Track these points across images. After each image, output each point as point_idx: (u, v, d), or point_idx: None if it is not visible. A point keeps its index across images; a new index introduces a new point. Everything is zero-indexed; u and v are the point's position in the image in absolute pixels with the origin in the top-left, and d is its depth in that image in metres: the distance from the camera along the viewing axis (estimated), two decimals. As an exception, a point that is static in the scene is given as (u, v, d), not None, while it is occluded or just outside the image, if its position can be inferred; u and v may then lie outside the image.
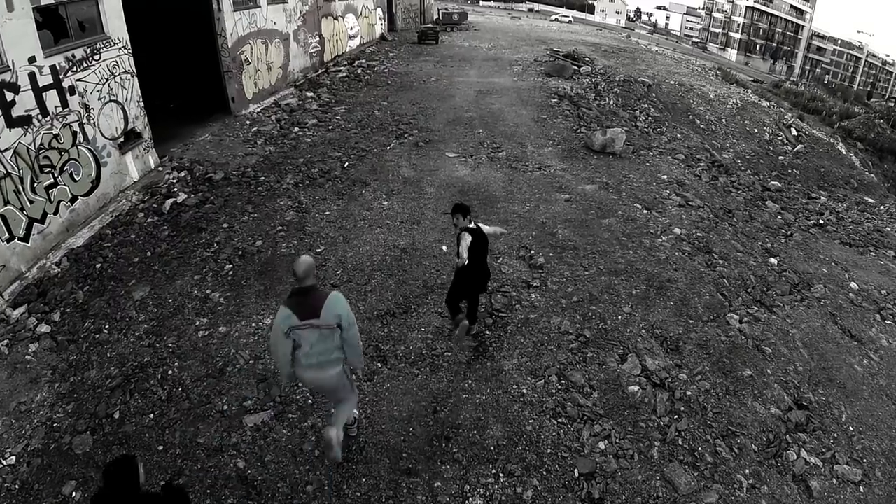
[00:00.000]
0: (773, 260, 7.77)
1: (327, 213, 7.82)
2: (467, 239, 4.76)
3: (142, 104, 9.13)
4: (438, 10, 36.69)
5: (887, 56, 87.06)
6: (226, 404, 4.91)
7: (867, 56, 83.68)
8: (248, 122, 11.81)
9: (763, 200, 10.29)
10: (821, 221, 9.98)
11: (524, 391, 4.77)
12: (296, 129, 11.43)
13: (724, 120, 19.58)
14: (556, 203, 8.39)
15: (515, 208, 8.15)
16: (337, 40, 19.30)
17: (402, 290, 6.04)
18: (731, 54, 72.75)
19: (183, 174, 9.22)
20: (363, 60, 19.15)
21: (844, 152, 22.41)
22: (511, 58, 22.77)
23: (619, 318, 5.67)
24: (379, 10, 25.46)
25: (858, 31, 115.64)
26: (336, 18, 19.07)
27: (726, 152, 17.63)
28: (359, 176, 8.99)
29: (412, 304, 5.82)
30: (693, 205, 8.90)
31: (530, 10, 70.44)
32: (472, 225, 4.94)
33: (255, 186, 8.82)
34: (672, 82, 21.32)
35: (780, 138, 20.04)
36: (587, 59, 23.40)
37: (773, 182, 14.51)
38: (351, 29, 21.00)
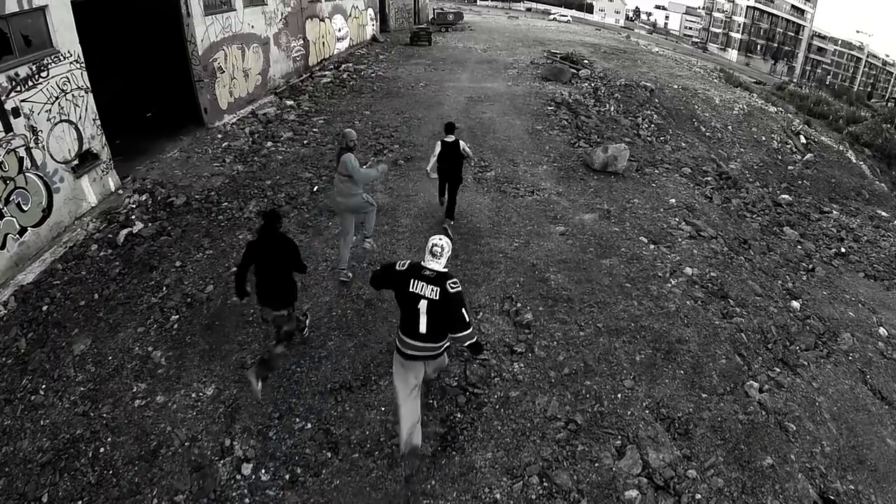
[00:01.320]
0: (795, 304, 6.91)
1: (287, 250, 6.97)
2: (437, 148, 6.85)
3: (98, 122, 8.32)
4: (433, 9, 35.70)
5: (887, 56, 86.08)
6: (156, 496, 4.19)
7: (868, 56, 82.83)
8: (219, 136, 10.95)
9: (780, 226, 9.41)
10: (842, 250, 9.12)
11: (498, 496, 3.90)
12: (269, 143, 10.55)
13: (730, 127, 18.71)
14: (549, 238, 7.45)
15: (502, 245, 7.15)
16: (323, 43, 18.39)
17: (361, 356, 5.17)
18: (732, 55, 71.71)
19: (144, 198, 8.46)
20: (350, 64, 18.26)
21: (854, 160, 21.56)
22: (506, 60, 21.85)
23: (619, 395, 4.78)
24: (370, 11, 24.52)
25: (858, 31, 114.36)
26: (322, 20, 18.16)
27: (733, 162, 16.76)
28: (327, 204, 8.04)
29: (372, 375, 4.95)
30: (705, 235, 8.00)
31: (528, 10, 69.33)
32: (448, 139, 6.84)
33: (215, 214, 7.98)
34: (675, 86, 20.43)
35: (788, 146, 19.19)
36: (586, 61, 22.50)
37: (784, 196, 13.70)
38: (339, 31, 20.08)
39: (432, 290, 3.65)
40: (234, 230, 7.47)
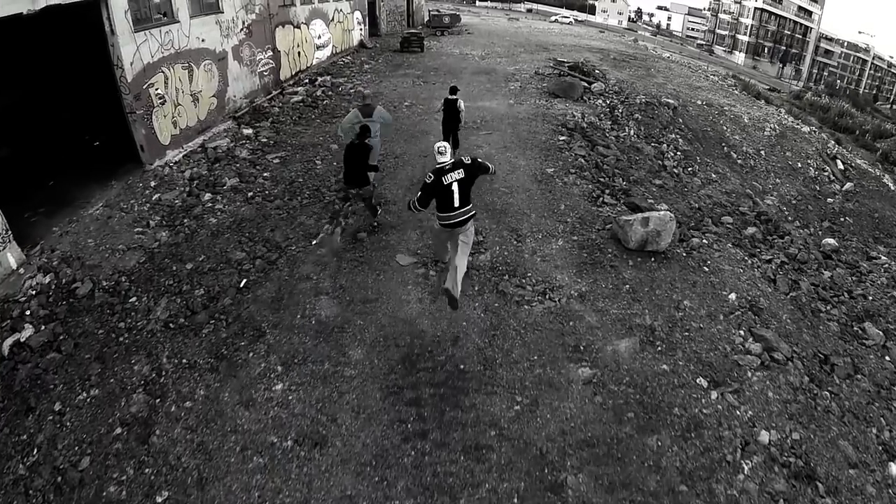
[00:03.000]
0: (894, 468, 4.74)
1: (188, 403, 4.64)
2: (442, 104, 9.27)
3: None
4: (429, 11, 33.26)
5: (891, 58, 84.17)
6: None
7: (873, 58, 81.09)
8: (152, 185, 8.65)
9: (860, 321, 7.08)
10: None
11: None
12: (207, 196, 8.19)
13: (763, 152, 16.44)
14: (568, 393, 4.91)
15: (495, 410, 4.64)
16: (299, 53, 16.00)
17: None
18: (739, 57, 69.41)
19: (48, 280, 6.38)
20: (328, 77, 15.89)
21: (893, 187, 19.33)
22: (507, 70, 19.49)
23: None
24: (357, 14, 22.14)
25: (860, 32, 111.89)
26: (297, 27, 15.77)
27: (770, 197, 14.49)
28: (253, 314, 5.66)
29: None
30: (779, 358, 5.59)
31: (529, 11, 66.82)
32: (452, 97, 9.02)
33: (118, 319, 5.76)
34: (698, 102, 18.14)
35: (826, 174, 16.93)
36: (597, 71, 20.18)
37: (828, 240, 11.54)
38: (318, 38, 17.69)
39: (458, 172, 5.39)
40: (132, 354, 5.16)
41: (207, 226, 7.28)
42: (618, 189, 9.12)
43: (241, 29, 12.49)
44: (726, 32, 74.02)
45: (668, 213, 7.22)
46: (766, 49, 70.45)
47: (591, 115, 13.91)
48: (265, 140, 10.50)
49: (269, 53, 14.02)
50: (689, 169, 13.47)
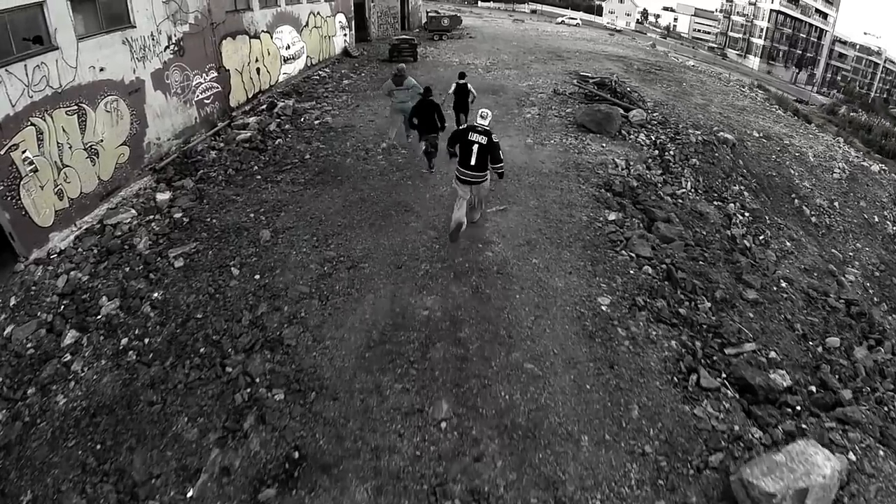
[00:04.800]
0: None
1: None
2: (452, 87, 9.74)
3: None
4: (427, 12, 29.77)
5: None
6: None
7: (885, 61, 78.62)
8: (12, 303, 5.48)
9: None
10: None
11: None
12: (70, 336, 5.06)
13: (836, 203, 13.23)
14: None
15: None
16: (258, 69, 12.64)
17: None
18: (753, 62, 66.08)
19: None
20: (290, 102, 12.52)
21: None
22: (519, 87, 16.08)
23: None
24: (340, 17, 18.73)
25: (865, 33, 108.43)
26: (255, 37, 12.39)
27: (851, 269, 11.29)
28: None
29: None
30: None
31: (533, 12, 63.12)
32: (461, 81, 9.69)
33: None
34: (755, 133, 14.88)
35: (904, 228, 13.74)
36: (629, 88, 16.88)
37: None
38: (287, 48, 14.31)
39: (482, 138, 6.18)
40: None
41: (52, 412, 4.18)
42: (706, 329, 5.79)
43: (167, 46, 9.15)
44: (739, 35, 70.64)
45: (833, 467, 3.72)
46: (780, 53, 67.19)
47: (637, 163, 10.63)
48: (179, 216, 7.15)
49: (213, 75, 10.66)
50: (761, 237, 10.24)
